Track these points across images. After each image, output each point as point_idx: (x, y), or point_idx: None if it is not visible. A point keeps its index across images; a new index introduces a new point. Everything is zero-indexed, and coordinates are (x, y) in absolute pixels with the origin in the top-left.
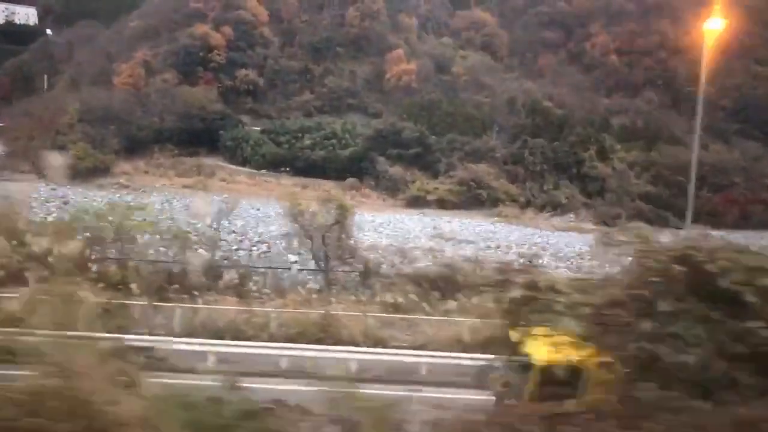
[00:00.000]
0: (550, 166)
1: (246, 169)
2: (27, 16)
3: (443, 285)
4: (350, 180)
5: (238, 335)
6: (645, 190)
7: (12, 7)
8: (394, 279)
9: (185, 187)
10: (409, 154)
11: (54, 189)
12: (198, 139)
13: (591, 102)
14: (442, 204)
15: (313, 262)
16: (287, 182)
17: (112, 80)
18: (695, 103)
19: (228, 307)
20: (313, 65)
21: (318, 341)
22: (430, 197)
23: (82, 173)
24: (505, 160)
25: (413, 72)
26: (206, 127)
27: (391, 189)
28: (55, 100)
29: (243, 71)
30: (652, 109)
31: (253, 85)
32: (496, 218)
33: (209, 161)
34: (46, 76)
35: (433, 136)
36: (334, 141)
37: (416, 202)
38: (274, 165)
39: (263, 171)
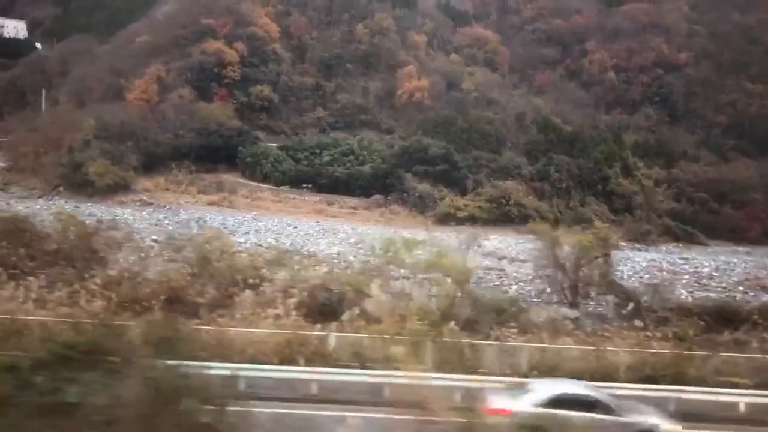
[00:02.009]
0: (575, 182)
1: (267, 186)
2: (16, 29)
3: (714, 317)
4: (376, 197)
5: (593, 376)
6: (669, 206)
7: (0, 20)
8: (661, 311)
9: (210, 204)
10: (435, 170)
11: (77, 207)
12: (216, 155)
13: (592, 118)
14: (473, 221)
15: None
16: (312, 199)
17: (121, 96)
18: (692, 119)
19: (570, 347)
20: (325, 81)
21: (681, 382)
22: (460, 214)
23: (102, 190)
24: (531, 176)
25: (425, 88)
26: (224, 144)
27: (420, 206)
28: (62, 116)
29: (258, 87)
30: (651, 126)
31: (268, 101)
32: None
33: (228, 177)
34: (44, 91)
35: (457, 153)
36: (351, 157)
37: (446, 219)
38: (294, 181)
39: (284, 187)
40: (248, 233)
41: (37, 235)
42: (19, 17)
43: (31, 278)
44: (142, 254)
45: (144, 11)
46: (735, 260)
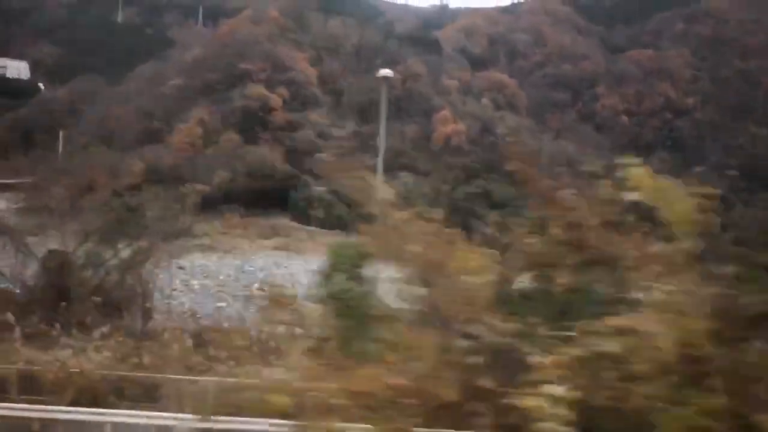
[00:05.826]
0: None
1: (323, 230)
2: (18, 69)
3: None
4: None
5: None
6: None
7: (2, 60)
8: None
9: (276, 248)
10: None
11: None
12: (266, 198)
13: (611, 161)
14: None
15: None
16: None
17: (158, 138)
18: (704, 163)
19: None
20: (361, 125)
21: None
22: None
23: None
24: None
25: (463, 132)
26: (275, 188)
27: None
28: (95, 158)
29: (301, 131)
30: (667, 169)
31: (311, 145)
32: None
33: (280, 221)
34: (61, 132)
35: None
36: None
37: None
38: (348, 226)
39: (338, 231)
40: None
41: None
42: (19, 58)
43: None
44: None
45: (152, 53)
46: None
